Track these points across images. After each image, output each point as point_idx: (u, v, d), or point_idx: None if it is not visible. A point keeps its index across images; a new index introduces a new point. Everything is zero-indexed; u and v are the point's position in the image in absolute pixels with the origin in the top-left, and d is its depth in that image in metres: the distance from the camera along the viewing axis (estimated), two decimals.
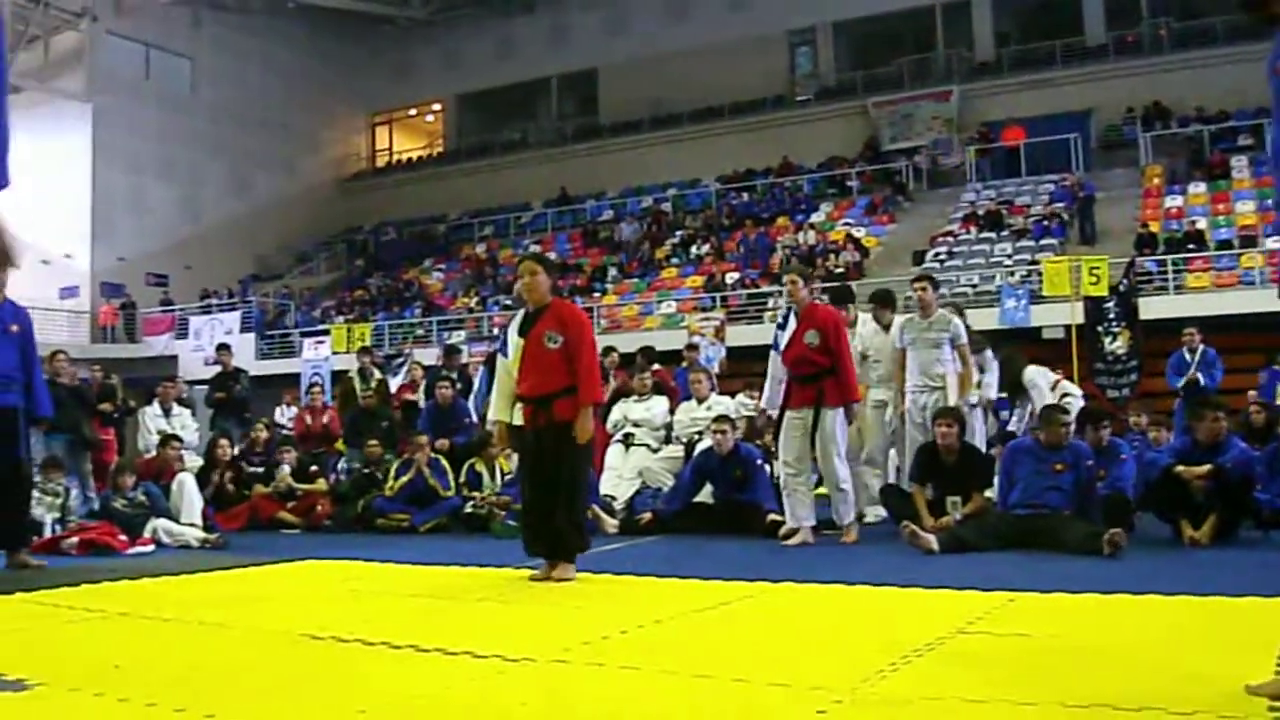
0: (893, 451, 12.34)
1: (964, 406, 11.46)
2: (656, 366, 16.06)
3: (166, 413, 16.38)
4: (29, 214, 37.18)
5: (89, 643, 6.07)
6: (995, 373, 13.12)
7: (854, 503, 10.79)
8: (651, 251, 37.60)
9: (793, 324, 10.67)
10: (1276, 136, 3.70)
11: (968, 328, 12.43)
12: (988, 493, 10.79)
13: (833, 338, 10.51)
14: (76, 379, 15.74)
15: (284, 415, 20.91)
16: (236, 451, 15.16)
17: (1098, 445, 10.78)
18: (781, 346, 10.82)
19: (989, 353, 13.01)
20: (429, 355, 24.43)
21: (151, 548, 11.72)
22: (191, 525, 12.39)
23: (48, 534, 11.74)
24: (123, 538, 11.56)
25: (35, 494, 12.18)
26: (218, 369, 18.82)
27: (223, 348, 19.42)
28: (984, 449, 11.92)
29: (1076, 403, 14.03)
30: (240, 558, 10.51)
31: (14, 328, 9.83)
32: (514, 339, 8.59)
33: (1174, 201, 31.20)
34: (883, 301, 12.78)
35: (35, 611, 7.21)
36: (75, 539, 11.32)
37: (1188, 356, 17.35)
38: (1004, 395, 13.71)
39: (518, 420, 8.72)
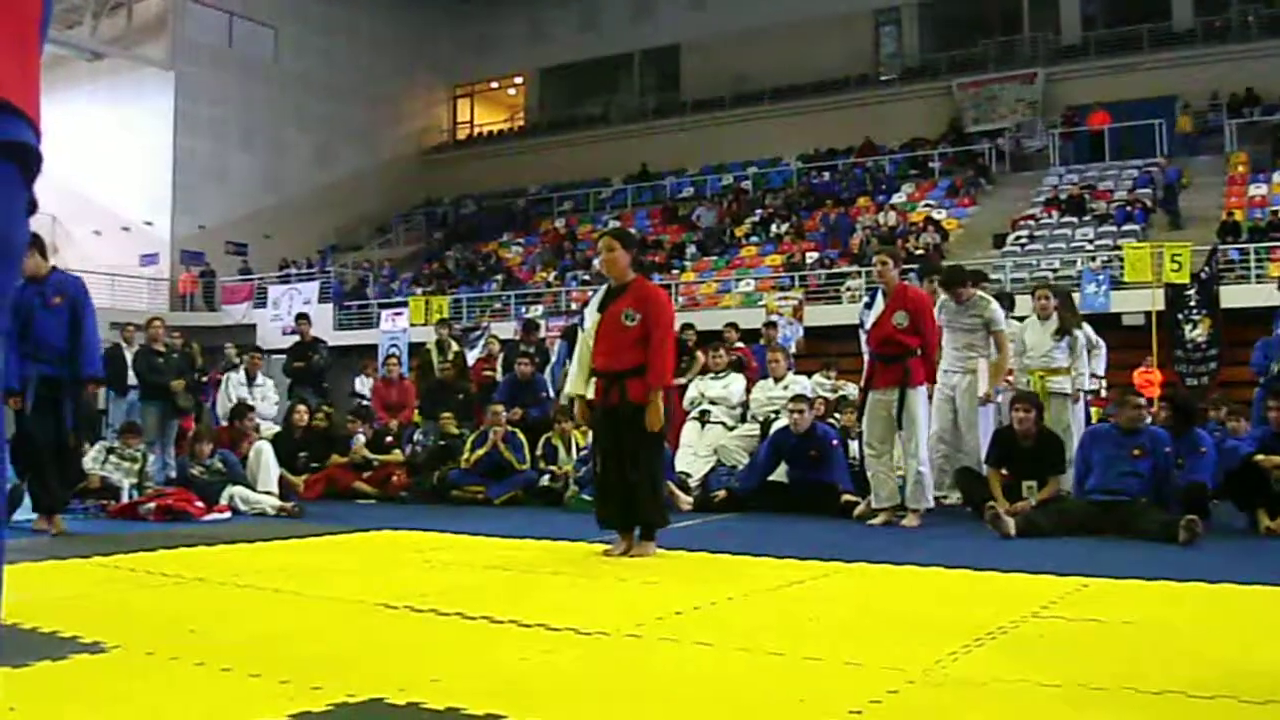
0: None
1: (996, 396, 11.41)
2: (740, 345, 16.06)
3: (250, 381, 16.49)
4: (111, 180, 37.74)
5: (165, 607, 6.13)
6: (1102, 359, 12.96)
7: (930, 489, 10.72)
8: (731, 230, 37.50)
9: (880, 304, 10.64)
10: None
11: (1058, 308, 12.33)
12: (1063, 478, 10.72)
13: (922, 320, 10.46)
14: (181, 345, 16.02)
15: (364, 385, 21.04)
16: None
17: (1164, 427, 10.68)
18: (868, 326, 10.80)
19: (1083, 332, 12.76)
20: (507, 329, 24.49)
21: (228, 515, 11.83)
22: (268, 493, 12.49)
23: (125, 499, 11.87)
24: (199, 504, 11.67)
25: (113, 459, 12.36)
26: (296, 338, 18.89)
27: (302, 317, 19.42)
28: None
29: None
30: (316, 526, 10.60)
31: (56, 300, 9.86)
32: (592, 314, 8.63)
33: (1258, 189, 30.75)
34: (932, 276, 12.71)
35: (112, 575, 7.29)
36: (153, 504, 11.43)
37: None
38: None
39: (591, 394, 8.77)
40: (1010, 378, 12.19)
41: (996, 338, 11.45)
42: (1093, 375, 12.96)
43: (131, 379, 15.92)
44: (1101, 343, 13.27)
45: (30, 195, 1.76)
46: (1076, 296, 23.13)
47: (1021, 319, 12.99)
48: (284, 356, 18.96)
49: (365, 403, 18.37)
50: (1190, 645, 4.95)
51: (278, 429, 15.40)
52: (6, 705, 1.72)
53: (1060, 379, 12.05)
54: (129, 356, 16.11)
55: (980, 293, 11.77)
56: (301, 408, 15.15)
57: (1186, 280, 21.22)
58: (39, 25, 1.80)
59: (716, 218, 38.48)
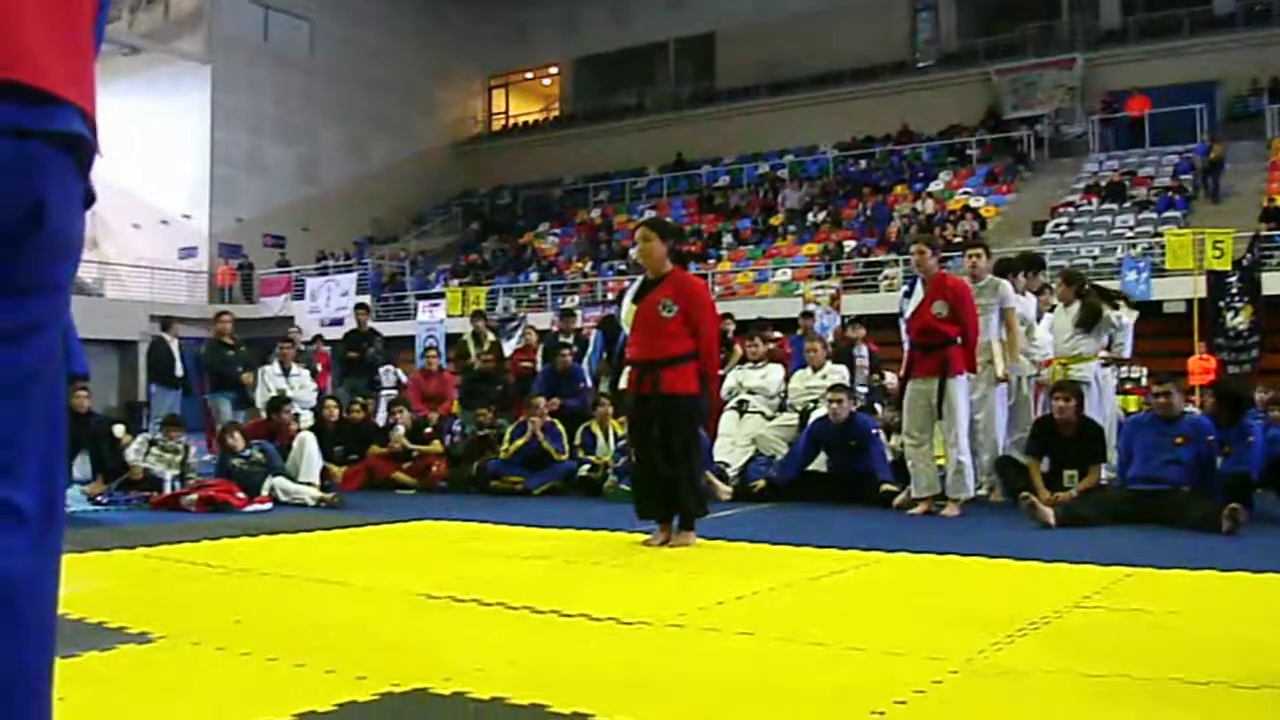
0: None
1: (1012, 374, 11.33)
2: (778, 335, 16.02)
3: (286, 372, 16.54)
4: (148, 174, 37.97)
5: (210, 598, 6.17)
6: (1129, 332, 12.74)
7: (971, 478, 10.68)
8: (767, 219, 37.43)
9: (919, 293, 10.60)
10: None
11: (1096, 288, 12.19)
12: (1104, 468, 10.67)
13: (962, 308, 10.41)
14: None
15: (388, 378, 21.12)
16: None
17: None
18: (907, 315, 10.76)
19: (1122, 314, 12.63)
20: (544, 319, 24.50)
21: (269, 505, 11.85)
22: (309, 484, 12.52)
23: (167, 490, 11.92)
24: (241, 495, 11.70)
25: (155, 451, 12.43)
26: (352, 328, 18.92)
27: (360, 307, 19.46)
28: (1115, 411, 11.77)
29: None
30: (357, 517, 10.60)
31: None
32: (628, 305, 8.64)
33: None
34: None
35: (157, 567, 7.34)
36: (195, 496, 11.47)
37: None
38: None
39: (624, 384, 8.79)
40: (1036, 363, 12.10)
41: (1008, 317, 11.32)
42: (1114, 359, 12.75)
43: (179, 370, 16.21)
44: (1126, 326, 12.99)
45: (87, 186, 1.79)
46: (1117, 284, 23.11)
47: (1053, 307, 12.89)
48: (338, 346, 18.96)
49: (387, 391, 18.42)
50: (1235, 636, 4.93)
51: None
52: (55, 695, 1.74)
53: (1082, 366, 11.91)
54: (175, 349, 16.38)
55: (991, 275, 11.62)
56: (331, 402, 15.21)
57: (1228, 267, 21.09)
58: (92, 19, 1.83)
59: (801, 199, 38.13)
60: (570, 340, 16.72)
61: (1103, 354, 11.98)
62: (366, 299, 34.04)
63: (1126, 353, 12.44)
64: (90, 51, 1.81)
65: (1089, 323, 11.73)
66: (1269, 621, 5.33)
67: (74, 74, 1.74)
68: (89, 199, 1.81)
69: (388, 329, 32.67)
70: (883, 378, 15.72)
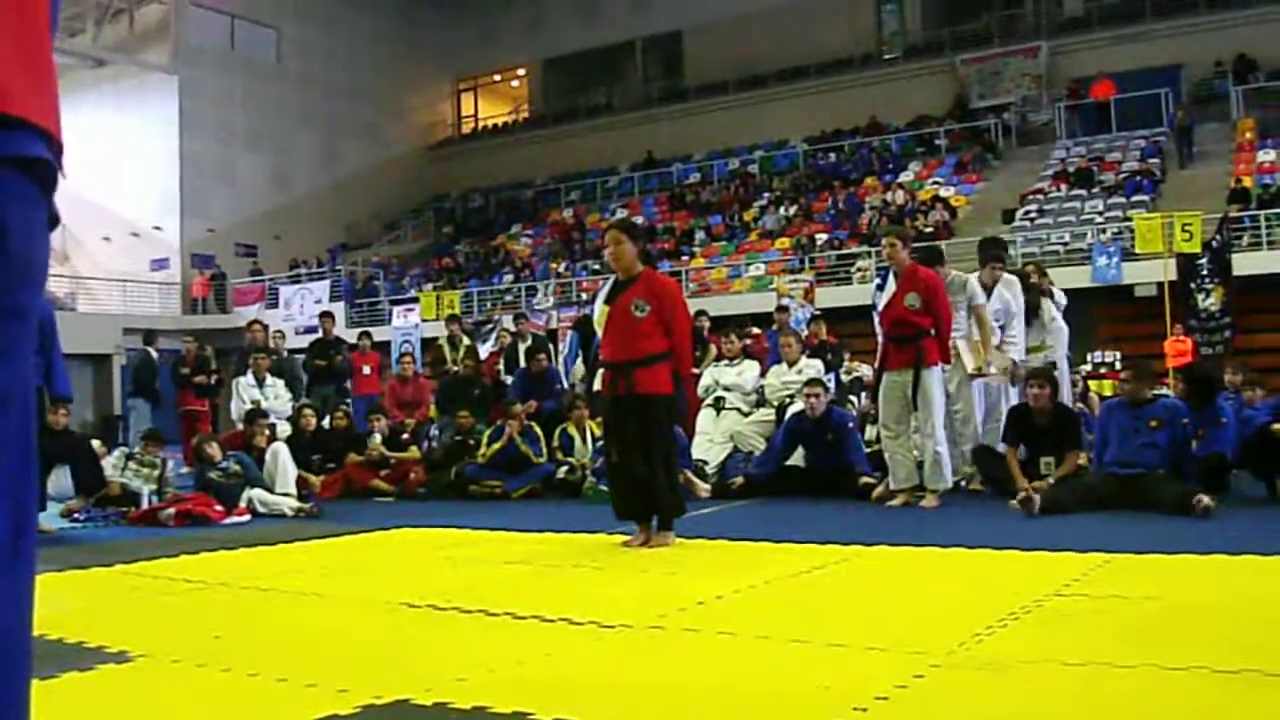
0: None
1: (989, 369, 11.36)
2: (757, 330, 16.04)
3: (260, 383, 16.50)
4: (119, 186, 37.82)
5: (189, 614, 6.15)
6: (1062, 335, 12.82)
7: (948, 468, 10.71)
8: (740, 214, 37.42)
9: (891, 285, 10.64)
10: None
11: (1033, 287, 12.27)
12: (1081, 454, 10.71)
13: (934, 300, 10.45)
14: (196, 349, 16.75)
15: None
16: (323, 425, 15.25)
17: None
18: (880, 308, 10.80)
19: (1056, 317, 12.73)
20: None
21: (247, 518, 11.82)
22: (286, 495, 12.49)
23: (145, 505, 11.88)
24: (219, 508, 11.66)
25: (133, 466, 12.39)
26: (317, 336, 18.85)
27: (325, 315, 19.28)
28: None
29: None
30: (335, 526, 10.59)
31: None
32: (599, 306, 8.66)
33: (1266, 156, 30.41)
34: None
35: (135, 583, 7.31)
36: (172, 510, 11.43)
37: None
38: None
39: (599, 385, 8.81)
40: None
41: (977, 313, 11.38)
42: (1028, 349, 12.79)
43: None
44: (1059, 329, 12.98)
45: (51, 210, 1.75)
46: (1087, 269, 23.27)
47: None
48: (299, 356, 18.86)
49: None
50: (1214, 619, 4.96)
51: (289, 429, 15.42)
52: None
53: (1032, 356, 12.00)
54: (158, 362, 16.57)
55: (957, 271, 11.71)
56: (308, 411, 15.14)
57: (1198, 250, 21.09)
58: (49, 30, 1.79)
59: (778, 221, 37.66)
60: (529, 342, 16.74)
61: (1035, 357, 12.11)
62: (339, 306, 34.05)
63: (1057, 352, 12.45)
64: (49, 66, 1.76)
65: (1029, 318, 11.89)
66: (1248, 604, 5.35)
67: (34, 92, 1.69)
68: (53, 222, 1.77)
69: None
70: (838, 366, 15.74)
